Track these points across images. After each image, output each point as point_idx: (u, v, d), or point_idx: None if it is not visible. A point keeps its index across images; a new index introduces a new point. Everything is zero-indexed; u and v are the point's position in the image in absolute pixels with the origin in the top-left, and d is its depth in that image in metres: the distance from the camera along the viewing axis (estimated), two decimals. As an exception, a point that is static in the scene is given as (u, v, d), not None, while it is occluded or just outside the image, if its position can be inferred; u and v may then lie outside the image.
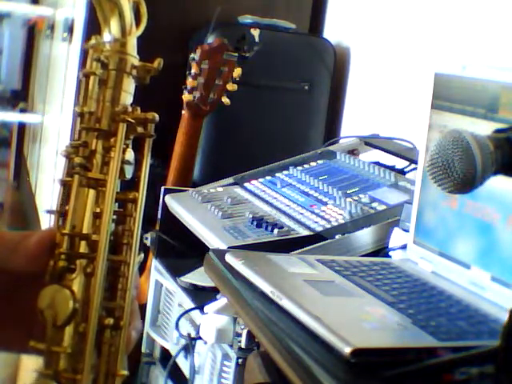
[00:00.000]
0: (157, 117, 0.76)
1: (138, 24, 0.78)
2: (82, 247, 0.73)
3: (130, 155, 0.76)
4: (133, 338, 0.76)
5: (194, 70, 2.22)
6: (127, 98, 0.76)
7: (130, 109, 0.75)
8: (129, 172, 0.76)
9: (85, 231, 0.73)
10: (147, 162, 0.77)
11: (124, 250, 0.75)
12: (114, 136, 0.74)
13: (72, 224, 0.73)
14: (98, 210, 0.74)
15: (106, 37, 0.76)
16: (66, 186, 0.75)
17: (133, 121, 0.75)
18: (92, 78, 0.75)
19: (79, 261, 0.73)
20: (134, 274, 0.76)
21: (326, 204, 1.77)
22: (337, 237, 1.62)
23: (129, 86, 0.76)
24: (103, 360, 0.74)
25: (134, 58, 0.76)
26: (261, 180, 2.01)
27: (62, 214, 0.75)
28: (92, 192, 0.74)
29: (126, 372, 0.75)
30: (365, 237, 1.63)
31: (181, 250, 2.13)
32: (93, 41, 0.77)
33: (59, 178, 0.75)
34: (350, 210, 1.69)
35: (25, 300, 0.74)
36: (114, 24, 0.76)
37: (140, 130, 0.76)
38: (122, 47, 0.75)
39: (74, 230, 0.73)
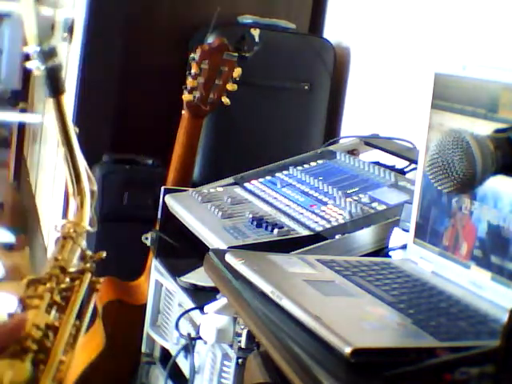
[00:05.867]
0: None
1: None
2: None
3: None
4: None
5: (193, 70, 2.22)
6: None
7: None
8: None
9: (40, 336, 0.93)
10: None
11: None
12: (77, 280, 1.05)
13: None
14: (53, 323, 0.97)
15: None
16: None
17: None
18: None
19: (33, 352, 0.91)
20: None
21: (326, 204, 1.77)
22: (337, 237, 1.62)
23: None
24: None
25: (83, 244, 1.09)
26: (261, 180, 2.01)
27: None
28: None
29: None
30: (365, 237, 1.63)
31: (181, 249, 2.13)
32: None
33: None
34: (350, 210, 1.69)
35: None
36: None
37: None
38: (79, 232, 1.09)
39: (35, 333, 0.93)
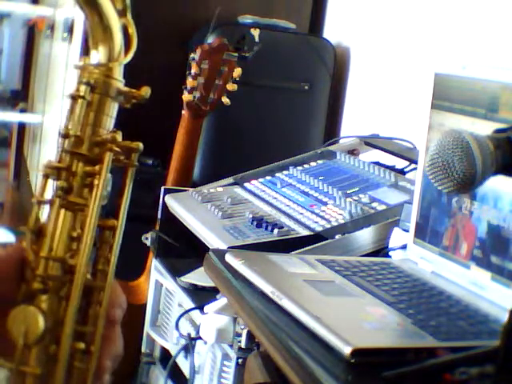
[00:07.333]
0: (141, 147, 0.77)
1: (127, 50, 0.79)
2: (56, 269, 0.73)
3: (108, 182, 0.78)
4: (107, 366, 0.76)
5: (193, 70, 2.22)
6: (111, 122, 0.77)
7: (118, 138, 0.76)
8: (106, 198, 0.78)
9: (61, 254, 0.74)
10: (129, 191, 0.79)
11: (99, 276, 0.76)
12: (98, 162, 0.76)
13: (49, 246, 0.74)
14: (75, 234, 0.75)
15: (94, 59, 0.77)
16: (42, 205, 0.76)
17: (119, 150, 0.76)
18: (80, 100, 0.77)
19: (52, 283, 0.73)
20: (118, 298, 0.77)
21: (326, 204, 1.77)
22: (337, 237, 1.62)
23: (113, 111, 0.77)
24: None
25: (120, 84, 0.77)
26: (261, 180, 2.01)
27: (35, 232, 0.75)
28: (70, 215, 0.75)
29: None
30: (365, 237, 1.63)
31: (181, 249, 2.13)
32: (81, 62, 0.79)
33: (36, 197, 0.76)
34: (350, 210, 1.69)
35: None
36: (103, 48, 0.77)
37: (123, 158, 0.78)
38: (109, 72, 0.77)
39: (51, 253, 0.74)
